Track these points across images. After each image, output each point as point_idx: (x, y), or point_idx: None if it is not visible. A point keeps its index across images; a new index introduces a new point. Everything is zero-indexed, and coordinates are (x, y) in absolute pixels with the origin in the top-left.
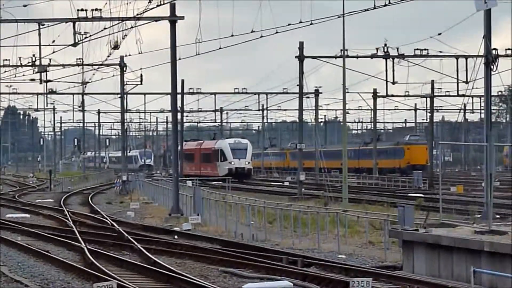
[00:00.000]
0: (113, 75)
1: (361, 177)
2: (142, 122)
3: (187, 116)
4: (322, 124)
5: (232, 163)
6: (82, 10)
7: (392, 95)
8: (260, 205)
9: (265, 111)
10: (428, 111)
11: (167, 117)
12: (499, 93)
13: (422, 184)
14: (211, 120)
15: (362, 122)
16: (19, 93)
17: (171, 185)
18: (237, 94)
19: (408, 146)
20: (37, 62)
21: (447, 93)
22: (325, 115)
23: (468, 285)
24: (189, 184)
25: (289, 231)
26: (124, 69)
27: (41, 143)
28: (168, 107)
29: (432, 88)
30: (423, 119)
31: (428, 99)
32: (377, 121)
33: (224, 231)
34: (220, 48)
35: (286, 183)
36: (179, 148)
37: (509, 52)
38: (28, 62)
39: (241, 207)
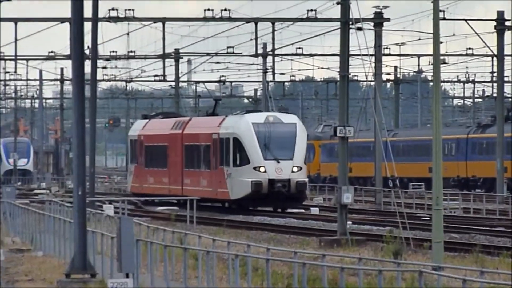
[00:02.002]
0: None
1: (471, 198)
2: (10, 80)
3: (105, 67)
4: (389, 85)
5: (263, 169)
6: None
7: None
8: (259, 256)
9: (269, 59)
10: None
11: (62, 69)
12: None
13: None
14: (157, 76)
15: (474, 81)
16: None
17: (71, 214)
18: (210, 21)
19: None
20: None
21: None
22: (395, 67)
23: None
24: (108, 211)
25: None
26: None
27: None
28: (65, 50)
29: None
30: None
31: None
32: (506, 80)
33: None
34: None
35: (315, 210)
36: (89, 128)
37: None
38: None
39: (219, 260)
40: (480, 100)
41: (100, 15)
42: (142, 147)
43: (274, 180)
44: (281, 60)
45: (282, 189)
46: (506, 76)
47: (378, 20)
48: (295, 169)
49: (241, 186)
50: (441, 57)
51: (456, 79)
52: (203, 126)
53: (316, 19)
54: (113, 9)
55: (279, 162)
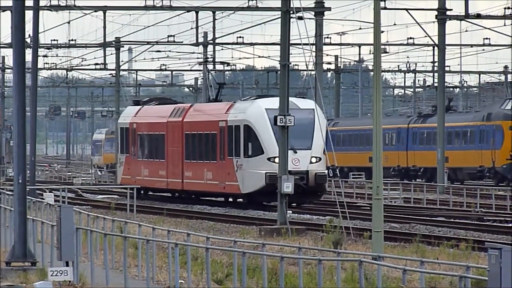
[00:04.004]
0: None
1: (412, 187)
2: None
3: (46, 56)
4: (329, 74)
5: (278, 160)
6: None
7: (478, 16)
8: (199, 245)
9: (210, 48)
10: None
11: (3, 57)
12: None
13: None
14: (98, 64)
15: (415, 71)
16: None
17: (11, 202)
18: (151, 10)
19: (510, 123)
20: None
21: None
22: (336, 56)
23: None
24: (49, 200)
25: None
26: None
27: None
28: (6, 38)
29: None
30: None
31: None
32: (447, 70)
33: None
34: None
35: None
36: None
37: None
38: None
39: (159, 249)
40: (421, 89)
41: (41, 3)
42: (135, 136)
43: (291, 172)
44: (222, 49)
45: (299, 182)
46: (447, 66)
47: (319, 9)
48: (313, 160)
49: (254, 179)
50: (382, 47)
51: (397, 69)
52: (207, 113)
53: (256, 8)
54: None
55: (296, 152)
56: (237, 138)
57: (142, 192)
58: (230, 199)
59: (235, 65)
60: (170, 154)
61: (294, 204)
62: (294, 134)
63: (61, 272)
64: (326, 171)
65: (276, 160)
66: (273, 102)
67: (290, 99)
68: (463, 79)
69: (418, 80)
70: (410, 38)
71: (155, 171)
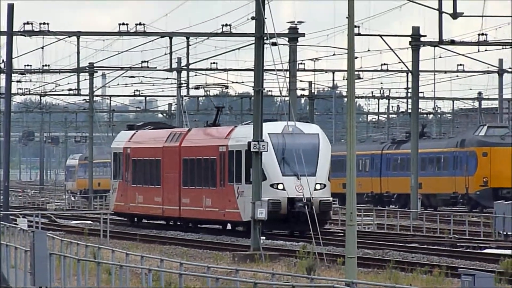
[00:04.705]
0: None
1: (385, 214)
2: None
3: (19, 81)
4: (303, 100)
5: (281, 186)
6: None
7: (452, 42)
8: (173, 270)
9: (184, 74)
10: None
11: None
12: None
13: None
14: (71, 90)
15: (388, 97)
16: None
17: None
18: (125, 36)
19: (484, 149)
20: None
21: None
22: (310, 82)
23: None
24: (22, 225)
25: None
26: None
27: None
28: None
29: None
30: None
31: None
32: (421, 96)
33: None
34: None
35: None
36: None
37: None
38: None
39: (133, 275)
40: (394, 116)
41: (15, 28)
42: (129, 161)
43: (294, 199)
44: (196, 75)
45: (303, 209)
46: (421, 92)
47: (293, 35)
48: (318, 186)
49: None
50: (356, 73)
51: (370, 95)
52: (206, 138)
53: (230, 34)
54: (28, 23)
55: (299, 179)
56: (238, 164)
57: (135, 219)
58: (229, 227)
59: (209, 90)
60: (166, 180)
61: (297, 233)
62: (298, 160)
63: None
64: (331, 199)
65: (279, 186)
66: (277, 127)
67: (294, 123)
68: (436, 105)
69: (392, 106)
70: (384, 64)
71: (150, 198)
